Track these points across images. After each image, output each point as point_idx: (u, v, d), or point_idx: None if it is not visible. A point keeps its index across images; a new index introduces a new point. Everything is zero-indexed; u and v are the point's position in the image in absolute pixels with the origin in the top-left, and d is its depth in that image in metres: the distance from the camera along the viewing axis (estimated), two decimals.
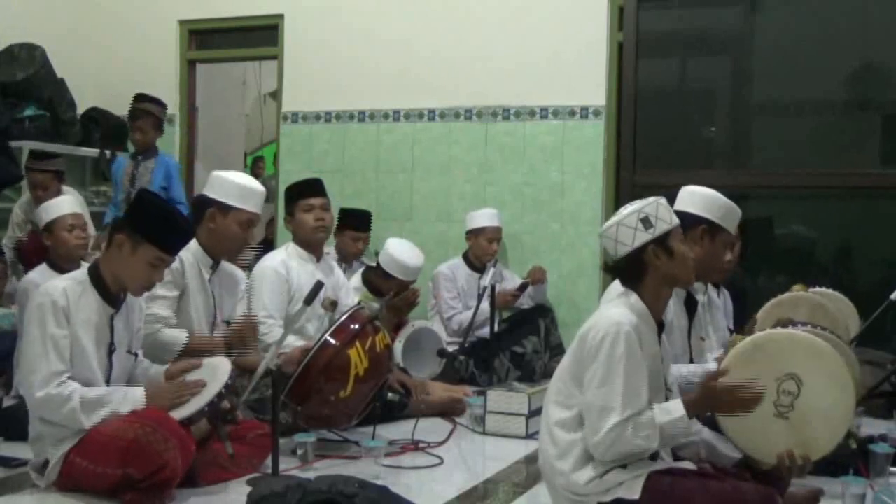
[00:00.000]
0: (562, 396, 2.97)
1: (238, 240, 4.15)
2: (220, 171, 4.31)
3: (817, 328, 3.19)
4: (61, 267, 4.35)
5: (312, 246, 4.60)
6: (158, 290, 3.90)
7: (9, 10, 6.42)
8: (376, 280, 5.12)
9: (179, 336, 3.96)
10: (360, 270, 5.37)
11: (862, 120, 5.78)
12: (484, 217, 6.02)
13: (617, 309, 2.92)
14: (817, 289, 3.94)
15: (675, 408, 2.82)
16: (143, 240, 3.30)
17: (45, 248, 4.68)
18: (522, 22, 6.32)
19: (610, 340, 2.82)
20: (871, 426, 3.98)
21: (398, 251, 5.07)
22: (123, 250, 3.31)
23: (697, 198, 3.53)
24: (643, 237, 2.92)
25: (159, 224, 3.36)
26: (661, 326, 3.04)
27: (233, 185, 4.16)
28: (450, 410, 4.71)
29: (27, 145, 6.35)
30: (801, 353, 2.88)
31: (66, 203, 4.80)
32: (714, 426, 3.13)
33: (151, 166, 6.07)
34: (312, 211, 4.58)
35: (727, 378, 2.83)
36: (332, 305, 4.16)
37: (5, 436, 3.58)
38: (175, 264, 3.97)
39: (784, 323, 3.26)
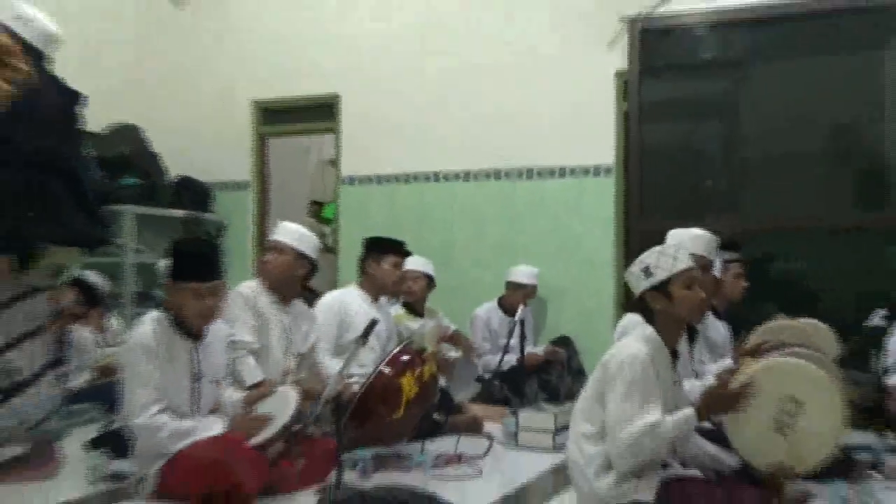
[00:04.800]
0: (587, 414, 3.01)
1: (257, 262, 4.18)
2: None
3: (809, 349, 3.18)
4: None
5: (379, 291, 4.65)
6: (238, 316, 3.96)
7: (109, 94, 6.54)
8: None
9: (255, 375, 3.98)
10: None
11: (837, 172, 5.77)
12: (524, 275, 6.02)
13: (634, 342, 2.95)
14: (801, 320, 3.92)
15: (685, 412, 2.84)
16: (179, 280, 3.37)
17: None
18: (542, 94, 6.38)
19: (628, 367, 2.86)
20: (853, 436, 3.93)
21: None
22: (173, 294, 3.38)
23: (673, 239, 3.57)
24: (644, 284, 2.99)
25: (183, 262, 3.39)
26: (675, 355, 3.05)
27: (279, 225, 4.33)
28: (475, 427, 4.67)
29: (128, 209, 6.50)
30: (806, 381, 2.88)
31: None
32: (718, 441, 3.13)
33: None
34: (398, 268, 4.68)
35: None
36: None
37: (115, 453, 3.63)
38: (248, 293, 4.04)
39: (776, 345, 3.26)
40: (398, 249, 4.72)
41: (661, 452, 2.86)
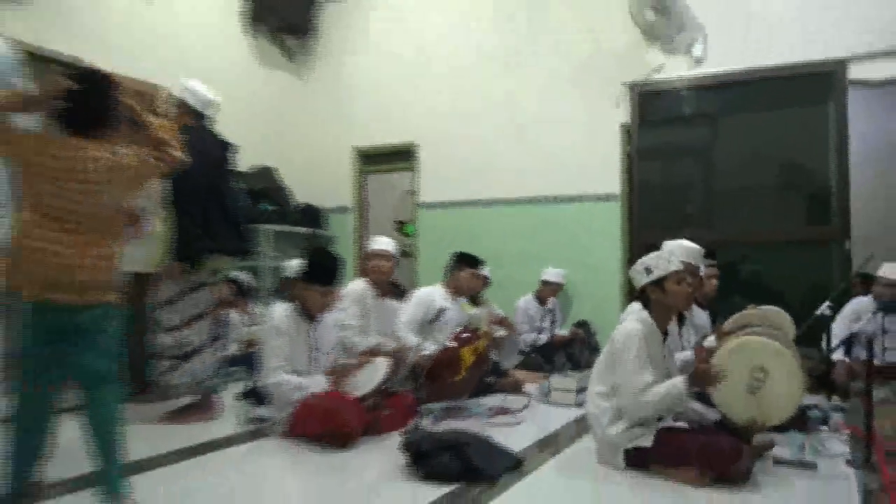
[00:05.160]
0: (600, 377, 2.98)
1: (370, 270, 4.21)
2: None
3: (773, 329, 3.06)
4: None
5: (458, 293, 4.57)
6: (349, 307, 3.98)
7: (253, 144, 6.65)
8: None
9: (362, 343, 4.00)
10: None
11: (791, 197, 5.58)
12: (554, 275, 5.91)
13: (631, 322, 2.90)
14: (764, 306, 3.79)
15: (675, 381, 2.76)
16: (309, 282, 3.39)
17: None
18: (565, 141, 6.30)
19: (627, 342, 2.81)
20: (806, 398, 3.78)
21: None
22: (301, 290, 3.41)
23: (668, 247, 3.47)
24: (644, 279, 2.92)
25: (316, 269, 3.43)
26: (666, 334, 2.97)
27: (380, 238, 4.37)
28: (517, 387, 4.60)
29: (266, 227, 6.60)
30: (770, 353, 2.79)
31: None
32: (702, 399, 3.04)
33: None
34: (476, 278, 4.64)
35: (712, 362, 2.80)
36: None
37: (258, 403, 3.68)
38: (359, 291, 4.06)
39: (744, 326, 3.17)
40: (476, 264, 4.67)
41: (661, 408, 2.78)
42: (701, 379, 2.75)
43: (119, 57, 5.46)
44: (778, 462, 2.99)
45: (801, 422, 3.27)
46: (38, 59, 4.51)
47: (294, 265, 5.18)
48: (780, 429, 3.04)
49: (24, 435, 2.31)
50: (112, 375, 2.33)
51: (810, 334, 4.07)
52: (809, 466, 2.95)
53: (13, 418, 2.33)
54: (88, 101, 2.30)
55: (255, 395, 3.75)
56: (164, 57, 5.89)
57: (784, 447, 3.06)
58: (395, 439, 3.19)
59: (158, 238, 3.66)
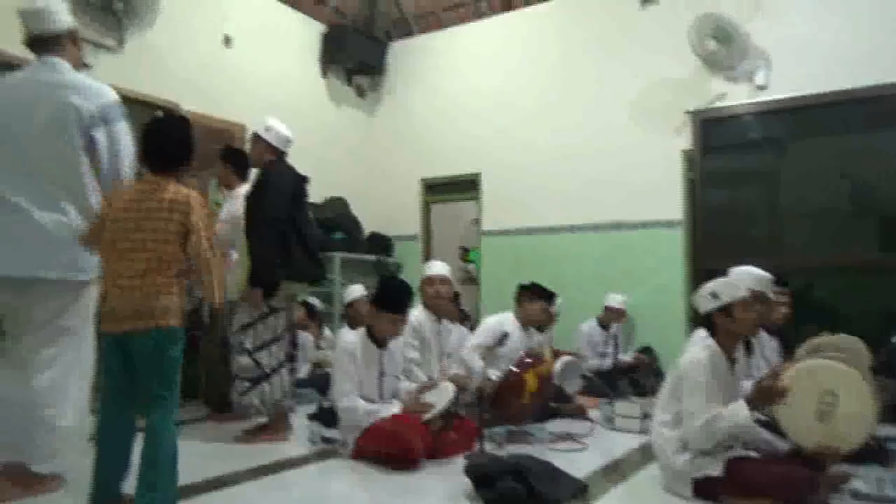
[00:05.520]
0: (665, 405, 2.85)
1: (429, 295, 4.13)
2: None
3: (843, 354, 2.88)
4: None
5: (527, 322, 4.44)
6: (409, 341, 3.95)
7: (325, 177, 6.83)
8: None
9: (421, 376, 3.96)
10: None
11: (862, 222, 5.28)
12: (616, 301, 5.77)
13: (697, 350, 2.78)
14: (839, 335, 3.55)
15: (739, 405, 2.62)
16: (381, 309, 3.38)
17: None
18: (628, 168, 6.19)
19: (694, 370, 2.69)
20: (885, 429, 3.52)
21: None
22: (372, 316, 3.40)
23: (737, 274, 3.32)
24: (711, 305, 2.80)
25: (387, 298, 3.42)
26: (733, 362, 2.83)
27: (437, 262, 4.32)
28: (581, 413, 4.46)
29: (337, 255, 6.71)
30: (840, 377, 2.62)
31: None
32: (771, 429, 2.87)
33: None
34: (546, 312, 4.52)
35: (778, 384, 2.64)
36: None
37: (327, 425, 3.69)
38: (415, 323, 4.03)
39: (816, 348, 2.98)
40: (548, 297, 4.56)
41: (728, 435, 2.63)
42: (764, 396, 2.59)
43: (201, 97, 5.71)
44: (857, 497, 2.77)
45: (881, 455, 3.04)
46: (127, 101, 4.76)
47: (355, 290, 5.23)
48: (860, 462, 2.84)
49: (106, 452, 2.38)
50: (164, 397, 2.34)
51: (887, 363, 3.80)
52: (891, 501, 2.73)
53: (97, 437, 2.42)
54: (167, 141, 2.44)
55: (325, 417, 3.76)
56: (242, 95, 6.12)
57: (864, 481, 2.84)
58: (459, 463, 3.13)
59: (240, 267, 3.75)
